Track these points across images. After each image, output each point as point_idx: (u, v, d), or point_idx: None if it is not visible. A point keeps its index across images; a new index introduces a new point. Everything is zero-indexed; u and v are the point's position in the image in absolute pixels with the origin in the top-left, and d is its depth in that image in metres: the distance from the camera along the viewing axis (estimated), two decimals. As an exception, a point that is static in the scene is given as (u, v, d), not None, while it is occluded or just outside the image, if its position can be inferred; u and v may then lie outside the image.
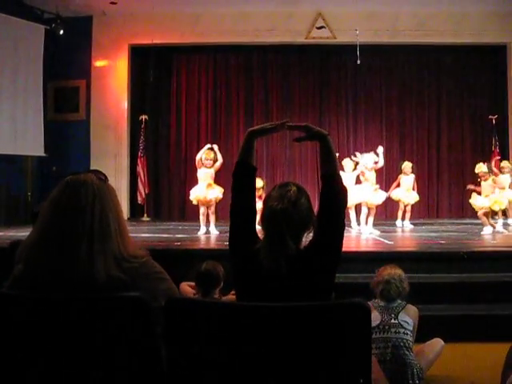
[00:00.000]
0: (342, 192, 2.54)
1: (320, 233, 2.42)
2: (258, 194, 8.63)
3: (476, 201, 8.84)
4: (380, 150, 9.33)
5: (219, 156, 8.89)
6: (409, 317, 3.79)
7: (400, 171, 10.32)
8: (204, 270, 4.09)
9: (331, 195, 2.50)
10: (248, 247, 2.44)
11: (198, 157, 8.89)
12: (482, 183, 8.82)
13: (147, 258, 2.03)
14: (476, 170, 8.98)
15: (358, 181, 9.42)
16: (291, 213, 2.35)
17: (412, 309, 3.89)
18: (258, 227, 7.31)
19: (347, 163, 9.66)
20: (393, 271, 3.95)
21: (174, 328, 1.83)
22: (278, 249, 2.31)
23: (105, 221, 1.95)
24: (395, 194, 10.12)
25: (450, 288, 5.66)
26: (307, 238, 2.45)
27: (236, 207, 2.62)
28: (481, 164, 8.97)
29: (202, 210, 8.88)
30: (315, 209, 2.49)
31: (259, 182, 8.71)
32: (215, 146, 9.05)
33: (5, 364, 1.86)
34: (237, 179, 2.68)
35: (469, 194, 9.28)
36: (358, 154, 9.55)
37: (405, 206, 10.23)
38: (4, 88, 10.80)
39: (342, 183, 2.56)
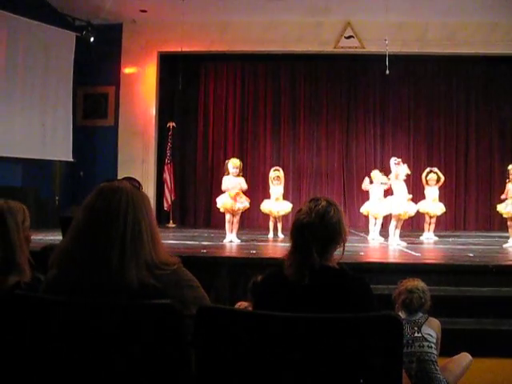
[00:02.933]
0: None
1: None
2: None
3: (502, 207, 8.74)
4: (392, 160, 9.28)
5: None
6: (432, 329, 3.73)
7: (425, 182, 10.25)
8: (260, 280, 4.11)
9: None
10: None
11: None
12: (509, 185, 8.69)
13: (179, 265, 2.03)
14: (509, 167, 8.83)
15: (387, 192, 9.37)
16: (318, 226, 2.41)
17: (435, 321, 3.83)
18: (281, 236, 7.25)
19: (376, 174, 9.61)
20: (416, 283, 3.90)
21: (205, 336, 1.83)
22: (302, 260, 2.37)
23: (137, 228, 1.96)
24: (422, 206, 10.03)
25: (478, 302, 5.59)
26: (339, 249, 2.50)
27: None
28: None
29: (228, 217, 8.87)
30: None
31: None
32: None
33: (37, 366, 1.88)
34: None
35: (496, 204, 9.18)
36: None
37: (430, 218, 10.14)
38: (35, 93, 10.96)
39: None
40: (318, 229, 2.40)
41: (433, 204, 10.05)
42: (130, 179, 2.10)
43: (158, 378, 1.83)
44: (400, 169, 9.01)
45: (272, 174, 10.02)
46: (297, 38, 11.86)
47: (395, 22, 11.43)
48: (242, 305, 3.98)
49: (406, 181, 9.20)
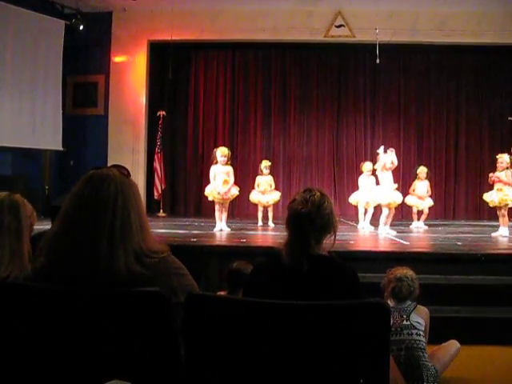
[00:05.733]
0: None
1: None
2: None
3: (487, 196, 8.78)
4: (380, 149, 9.23)
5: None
6: (420, 317, 3.76)
7: (415, 176, 10.27)
8: (235, 268, 4.12)
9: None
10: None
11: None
12: (497, 173, 8.72)
13: (167, 253, 2.03)
14: (497, 156, 8.86)
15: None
16: (315, 216, 2.50)
17: (423, 309, 3.86)
18: (272, 224, 7.31)
19: (366, 165, 9.61)
20: (405, 271, 3.93)
21: (193, 323, 1.84)
22: (301, 249, 2.45)
23: (126, 215, 1.96)
24: (409, 199, 10.06)
25: (466, 290, 5.63)
26: (328, 240, 2.58)
27: None
28: (505, 154, 8.84)
29: (218, 206, 8.89)
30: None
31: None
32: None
33: (22, 355, 1.88)
34: None
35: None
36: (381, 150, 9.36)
37: (420, 210, 10.16)
38: (24, 82, 10.88)
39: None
40: (315, 218, 2.49)
41: (420, 198, 10.06)
42: (118, 167, 2.09)
43: (146, 366, 1.83)
44: (385, 157, 9.00)
45: (263, 163, 9.99)
46: (287, 26, 11.81)
47: (386, 11, 11.41)
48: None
49: (394, 172, 9.21)
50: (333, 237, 2.58)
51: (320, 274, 2.40)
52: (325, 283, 2.37)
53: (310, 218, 2.48)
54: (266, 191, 9.78)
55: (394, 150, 9.18)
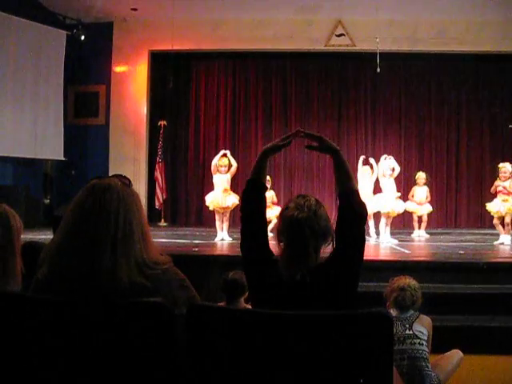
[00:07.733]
0: (361, 208, 2.49)
1: (339, 248, 2.39)
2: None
3: (492, 206, 8.74)
4: (372, 161, 9.31)
5: (233, 161, 9.07)
6: (423, 327, 3.74)
7: (414, 182, 10.28)
8: (231, 278, 4.10)
9: (350, 212, 2.45)
10: (262, 259, 2.45)
11: (213, 162, 8.99)
12: (498, 183, 8.68)
13: (170, 264, 2.02)
14: (499, 165, 8.83)
15: (377, 189, 9.35)
16: (313, 222, 2.34)
17: (426, 319, 3.85)
18: (270, 234, 7.14)
19: (365, 171, 9.61)
20: (407, 280, 3.91)
21: (196, 335, 1.83)
22: (301, 259, 2.31)
23: (128, 226, 1.95)
24: (408, 205, 10.06)
25: (468, 299, 5.62)
26: (325, 250, 2.43)
27: (246, 223, 2.59)
28: (507, 163, 8.82)
29: (218, 216, 8.91)
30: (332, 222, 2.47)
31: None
32: (228, 152, 9.15)
33: (26, 366, 1.87)
34: (247, 196, 2.67)
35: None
36: (372, 160, 9.48)
37: (419, 217, 10.16)
38: (25, 92, 10.91)
39: (359, 199, 2.51)
40: (313, 224, 2.34)
41: (419, 204, 10.06)
42: (119, 177, 2.08)
43: (148, 377, 1.83)
44: (382, 164, 8.99)
45: None
46: (287, 36, 11.83)
47: (386, 20, 11.44)
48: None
49: (396, 180, 9.20)
50: (330, 246, 2.41)
51: (321, 284, 2.30)
52: (327, 294, 2.30)
53: (308, 224, 2.32)
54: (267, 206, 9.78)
55: (392, 158, 9.21)
